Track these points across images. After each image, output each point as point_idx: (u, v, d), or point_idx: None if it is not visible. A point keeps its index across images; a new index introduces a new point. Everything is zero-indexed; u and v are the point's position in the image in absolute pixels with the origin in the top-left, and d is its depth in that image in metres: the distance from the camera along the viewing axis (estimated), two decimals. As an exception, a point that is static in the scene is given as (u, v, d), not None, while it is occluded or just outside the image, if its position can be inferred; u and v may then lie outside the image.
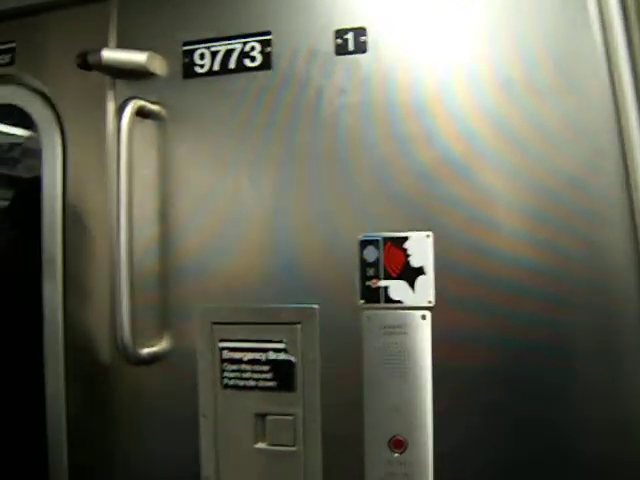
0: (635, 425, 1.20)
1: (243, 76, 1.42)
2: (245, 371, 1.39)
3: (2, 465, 1.69)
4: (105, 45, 1.49)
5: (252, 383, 1.38)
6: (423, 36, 1.31)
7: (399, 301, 1.31)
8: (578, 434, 1.23)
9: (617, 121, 1.21)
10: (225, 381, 1.40)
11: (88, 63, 1.45)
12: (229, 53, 1.43)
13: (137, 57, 1.45)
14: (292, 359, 1.36)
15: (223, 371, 1.40)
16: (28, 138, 1.76)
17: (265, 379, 1.38)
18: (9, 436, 1.71)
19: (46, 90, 1.60)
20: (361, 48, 1.35)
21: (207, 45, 1.45)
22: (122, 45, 1.50)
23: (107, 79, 1.52)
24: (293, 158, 1.38)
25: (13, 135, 1.93)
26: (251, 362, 1.38)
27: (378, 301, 1.32)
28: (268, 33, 1.40)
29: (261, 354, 1.38)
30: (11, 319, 1.72)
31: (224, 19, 1.44)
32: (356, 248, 1.33)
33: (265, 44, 1.40)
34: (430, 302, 1.30)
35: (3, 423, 1.71)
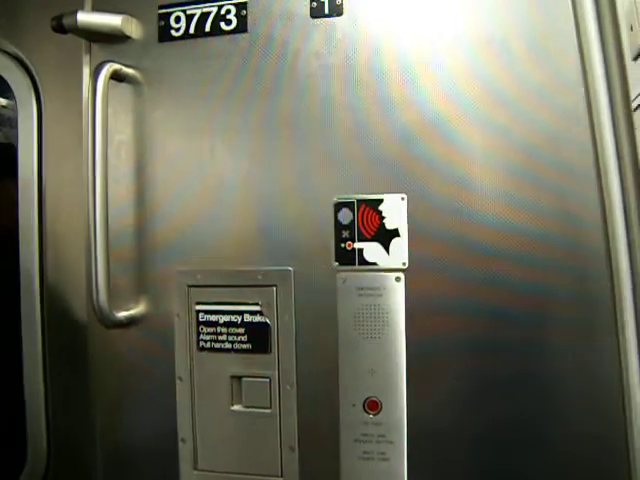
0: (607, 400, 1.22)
1: (219, 39, 1.41)
2: (221, 334, 1.39)
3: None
4: (81, 8, 1.47)
5: (228, 345, 1.39)
6: (399, -2, 1.32)
7: (374, 263, 1.32)
8: (552, 399, 1.25)
9: (585, 89, 1.23)
10: (201, 344, 1.41)
11: (63, 26, 1.43)
12: (205, 16, 1.42)
13: (112, 20, 1.44)
14: (267, 321, 1.37)
15: (199, 334, 1.41)
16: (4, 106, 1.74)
17: (241, 341, 1.38)
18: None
19: (22, 55, 1.58)
20: (337, 11, 1.35)
21: (183, 8, 1.44)
22: (97, 8, 1.48)
23: (83, 43, 1.50)
24: (270, 121, 1.38)
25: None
26: (227, 324, 1.39)
27: (353, 263, 1.33)
28: None
29: (237, 316, 1.38)
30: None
31: (200, -18, 1.43)
32: (331, 211, 1.34)
33: (241, 7, 1.40)
34: (404, 264, 1.31)
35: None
